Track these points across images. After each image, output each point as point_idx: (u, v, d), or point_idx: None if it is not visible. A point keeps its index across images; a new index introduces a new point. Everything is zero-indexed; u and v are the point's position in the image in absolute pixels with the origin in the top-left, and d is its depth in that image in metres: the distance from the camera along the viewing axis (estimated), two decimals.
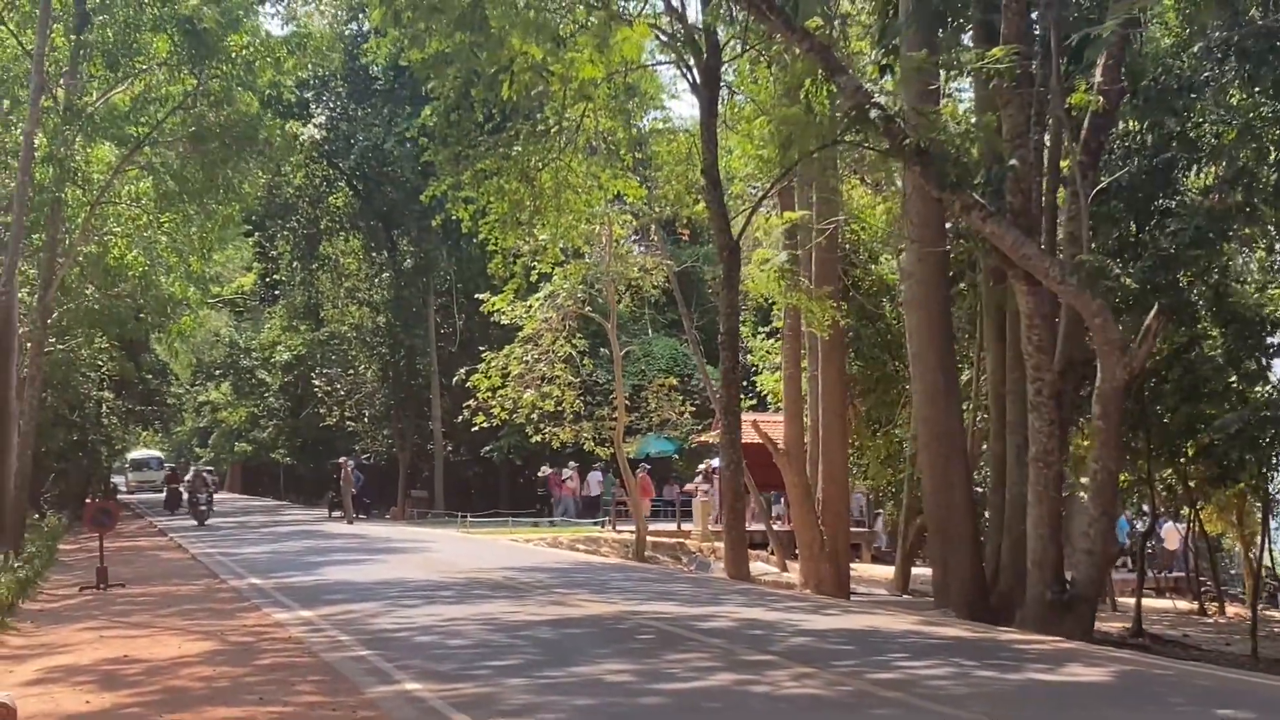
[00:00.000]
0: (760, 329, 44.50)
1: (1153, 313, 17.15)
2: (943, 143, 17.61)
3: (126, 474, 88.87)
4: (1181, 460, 26.45)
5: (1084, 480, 24.53)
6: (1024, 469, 20.18)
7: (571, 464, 45.45)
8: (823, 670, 12.44)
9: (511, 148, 26.80)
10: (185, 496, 49.80)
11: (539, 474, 49.00)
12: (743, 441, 39.82)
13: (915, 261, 20.67)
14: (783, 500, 40.12)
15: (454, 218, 28.16)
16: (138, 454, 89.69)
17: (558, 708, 10.76)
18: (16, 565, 20.84)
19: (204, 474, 48.90)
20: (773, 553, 36.06)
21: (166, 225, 28.24)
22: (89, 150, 26.87)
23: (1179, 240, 20.68)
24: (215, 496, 49.93)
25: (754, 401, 45.82)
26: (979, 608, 19.81)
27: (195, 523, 43.08)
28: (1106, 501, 18.00)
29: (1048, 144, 19.60)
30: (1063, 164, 19.88)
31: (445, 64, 23.50)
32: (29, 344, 26.51)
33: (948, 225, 21.74)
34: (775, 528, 37.27)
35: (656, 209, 35.01)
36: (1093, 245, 19.01)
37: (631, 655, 13.50)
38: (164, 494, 57.05)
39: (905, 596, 32.38)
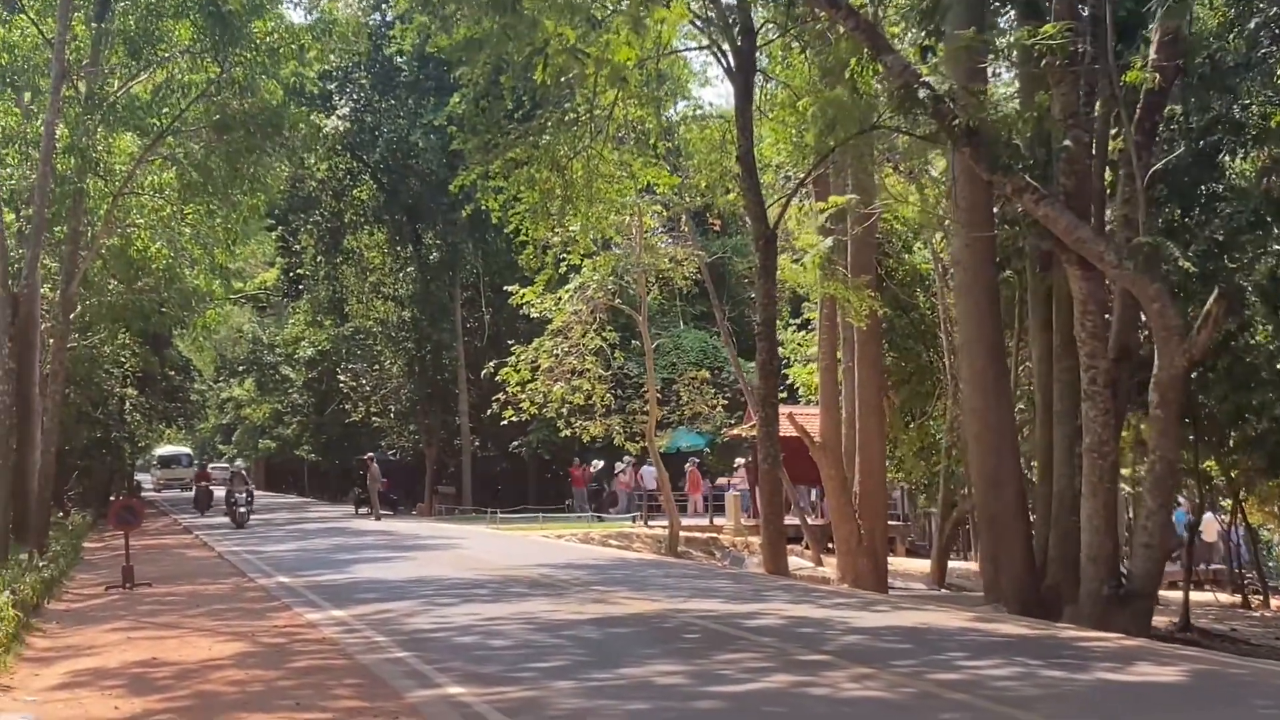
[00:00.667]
0: (791, 321, 43.96)
1: (1213, 297, 16.51)
2: (994, 124, 17.00)
3: (153, 471, 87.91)
4: (1227, 451, 25.83)
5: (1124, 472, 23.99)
6: (1072, 460, 19.60)
7: (626, 457, 44.26)
8: (882, 671, 11.86)
9: (541, 136, 26.29)
10: (220, 495, 46.47)
11: (590, 468, 47.25)
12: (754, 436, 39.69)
13: (963, 248, 20.01)
14: (812, 493, 39.64)
15: (483, 208, 27.63)
16: (165, 450, 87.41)
17: (610, 713, 10.22)
18: (41, 564, 20.39)
19: (242, 471, 44.22)
20: (807, 547, 35.57)
21: (190, 217, 27.59)
22: (111, 140, 26.34)
23: (1233, 224, 20.02)
24: (214, 492, 48.98)
25: (785, 394, 45.27)
26: (1031, 604, 19.17)
27: (232, 524, 39.46)
28: (1165, 494, 17.43)
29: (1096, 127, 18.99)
30: (1111, 145, 19.28)
31: (475, 49, 22.96)
32: (51, 339, 26.01)
33: (995, 211, 21.12)
34: (810, 522, 36.76)
35: (688, 199, 34.47)
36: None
37: (681, 656, 12.93)
38: (193, 492, 55.35)
39: (943, 590, 31.82)
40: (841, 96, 18.93)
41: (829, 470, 29.88)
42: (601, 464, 45.53)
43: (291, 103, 28.66)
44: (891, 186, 33.82)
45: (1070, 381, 19.70)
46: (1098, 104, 18.48)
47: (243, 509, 39.82)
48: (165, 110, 25.87)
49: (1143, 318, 18.46)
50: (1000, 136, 16.91)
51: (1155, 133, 18.87)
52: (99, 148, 25.06)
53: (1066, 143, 17.32)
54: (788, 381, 45.86)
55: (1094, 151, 18.70)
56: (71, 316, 26.61)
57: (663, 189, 32.94)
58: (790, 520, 38.48)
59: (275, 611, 17.89)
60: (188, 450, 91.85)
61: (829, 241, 25.05)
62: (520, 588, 20.26)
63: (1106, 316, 18.15)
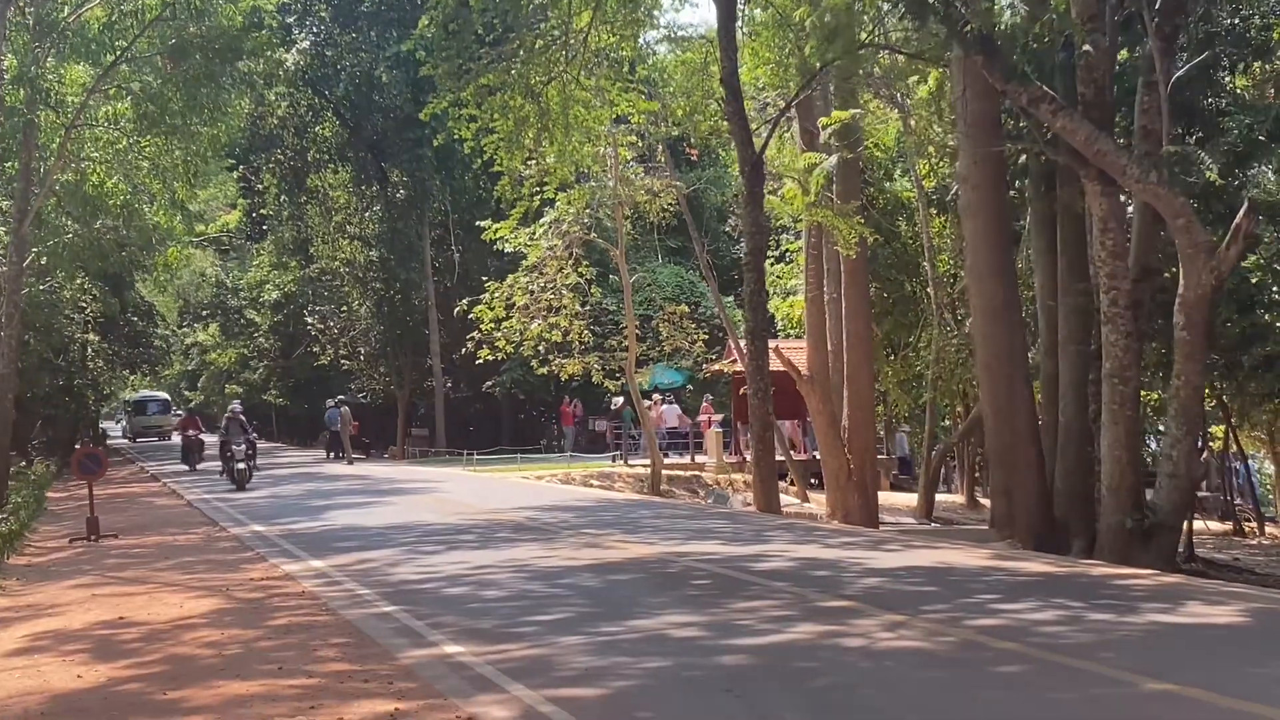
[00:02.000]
0: (770, 254, 42.98)
1: (1243, 210, 15.55)
2: (1008, 30, 15.90)
3: (127, 419, 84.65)
4: (1235, 375, 24.97)
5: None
6: (1078, 389, 18.80)
7: (655, 395, 42.67)
8: (914, 618, 10.91)
9: (514, 61, 25.13)
10: (212, 443, 39.71)
11: (611, 407, 45.05)
12: (735, 371, 38.73)
13: (971, 165, 18.85)
14: (788, 426, 38.73)
15: (455, 140, 26.52)
16: (139, 395, 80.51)
17: (627, 672, 9.23)
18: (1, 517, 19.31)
19: (240, 417, 33.95)
20: (792, 483, 34.72)
21: (148, 150, 26.12)
22: (62, 71, 24.91)
23: (1254, 135, 19.03)
24: (205, 440, 43.78)
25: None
26: (1045, 538, 18.30)
27: (230, 483, 31.42)
28: (1192, 420, 16.53)
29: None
30: (1121, 55, 18.29)
31: None
32: (4, 283, 24.68)
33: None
34: (794, 457, 35.94)
35: (664, 128, 33.30)
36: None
37: (693, 605, 11.96)
38: (175, 441, 52.46)
39: (933, 524, 31.06)
40: (842, 3, 17.77)
41: (817, 404, 28.94)
42: (621, 400, 42.81)
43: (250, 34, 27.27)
44: (875, 112, 32.82)
45: (1078, 307, 18.84)
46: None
47: (241, 464, 31.22)
48: (119, 40, 24.41)
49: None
50: (1018, 41, 15.83)
51: (1175, 38, 17.84)
52: (49, 77, 23.66)
53: (1086, 48, 16.25)
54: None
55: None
56: (26, 260, 25.18)
57: (638, 118, 31.87)
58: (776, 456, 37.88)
59: (250, 563, 16.85)
60: (164, 395, 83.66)
61: (833, 159, 23.85)
62: (506, 532, 19.28)
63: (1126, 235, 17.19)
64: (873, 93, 31.59)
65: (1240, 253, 15.74)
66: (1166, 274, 19.00)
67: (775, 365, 33.20)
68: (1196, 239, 15.46)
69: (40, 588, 15.54)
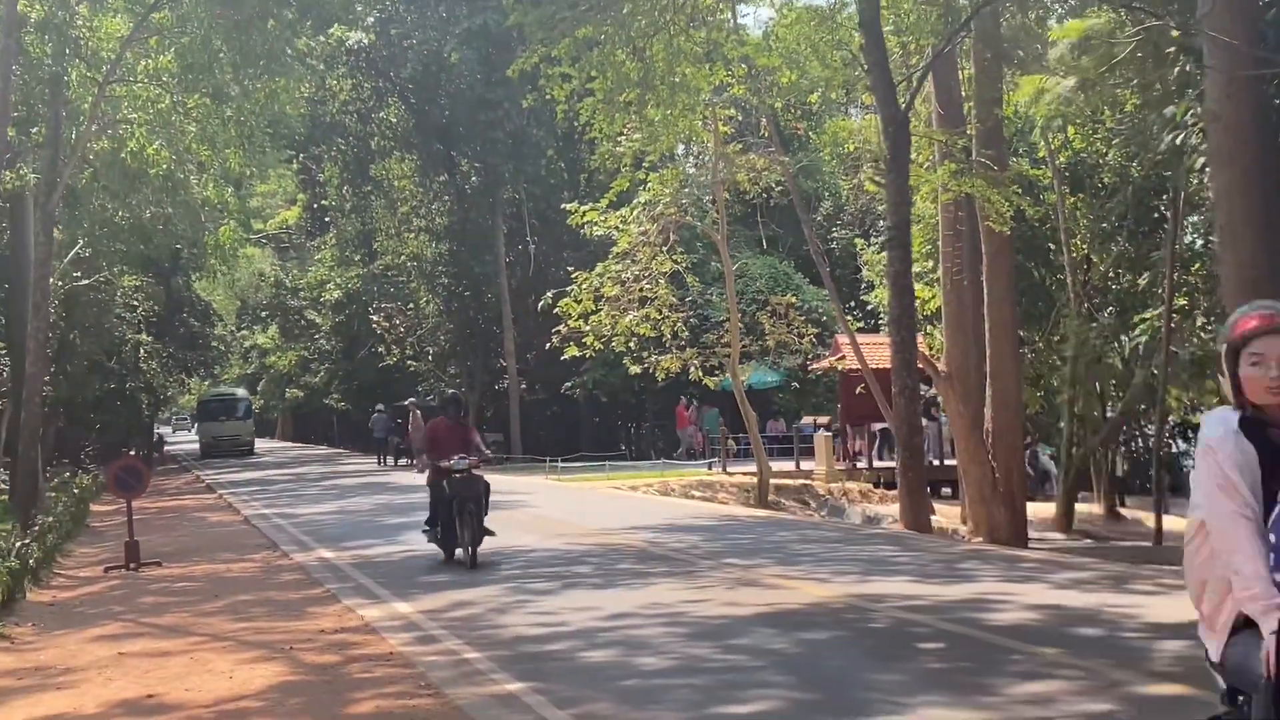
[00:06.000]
0: (866, 234, 39.61)
1: None
2: None
3: (192, 424, 77.01)
4: None
5: None
6: None
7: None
8: None
9: (615, 9, 21.74)
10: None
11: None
12: (846, 368, 35.36)
13: (1223, 98, 14.98)
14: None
15: (548, 100, 23.16)
16: (210, 394, 65.22)
17: None
18: (20, 545, 16.02)
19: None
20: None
21: (194, 111, 22.66)
22: (96, 21, 21.53)
23: None
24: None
25: (860, 322, 40.89)
26: None
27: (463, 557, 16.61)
28: None
29: None
30: None
31: None
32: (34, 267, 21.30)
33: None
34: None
35: (768, 98, 29.81)
36: None
37: (949, 688, 8.37)
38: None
39: (1086, 541, 27.48)
40: None
41: (957, 405, 25.34)
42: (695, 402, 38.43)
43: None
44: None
45: None
46: None
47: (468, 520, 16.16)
48: None
49: None
50: None
51: None
52: (79, 24, 20.30)
53: None
54: (866, 307, 41.65)
55: None
56: (58, 237, 21.75)
57: (738, 88, 28.56)
58: (881, 464, 34.39)
59: (319, 605, 13.46)
60: (243, 394, 65.75)
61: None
62: (629, 562, 15.80)
63: None
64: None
65: None
66: None
67: (883, 363, 30.03)
68: None
69: (57, 639, 12.26)
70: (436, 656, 10.20)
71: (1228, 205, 15.15)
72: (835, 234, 47.30)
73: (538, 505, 24.95)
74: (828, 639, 10.30)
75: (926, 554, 16.02)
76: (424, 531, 16.94)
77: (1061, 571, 14.01)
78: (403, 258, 52.37)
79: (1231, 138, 14.88)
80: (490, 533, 16.10)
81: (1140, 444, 37.45)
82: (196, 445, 62.70)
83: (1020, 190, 31.54)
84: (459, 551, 16.14)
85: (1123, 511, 32.47)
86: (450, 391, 22.38)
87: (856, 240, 39.87)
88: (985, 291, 25.35)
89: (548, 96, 23.15)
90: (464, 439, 16.64)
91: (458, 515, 15.86)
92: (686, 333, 32.01)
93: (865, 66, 21.65)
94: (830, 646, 10.01)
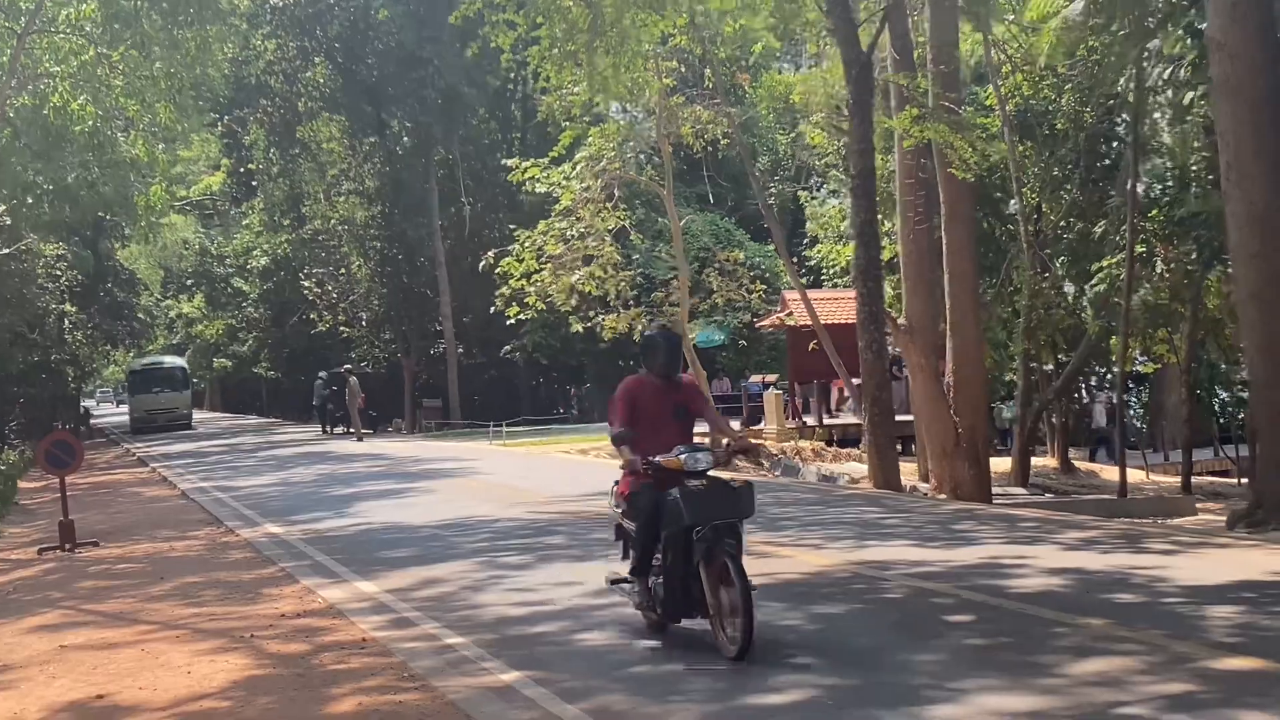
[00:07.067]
0: (809, 188, 38.91)
1: None
2: None
3: (124, 396, 72.38)
4: None
5: None
6: None
7: None
8: None
9: None
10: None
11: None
12: (797, 324, 34.63)
13: (1228, 25, 14.15)
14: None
15: (492, 48, 22.14)
16: (141, 362, 58.64)
17: None
18: None
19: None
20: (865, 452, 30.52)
21: (120, 63, 21.31)
22: None
23: None
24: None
25: (808, 278, 40.16)
26: None
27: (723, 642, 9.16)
28: None
29: None
30: None
31: None
32: None
33: None
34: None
35: (711, 47, 28.98)
36: None
37: (995, 667, 7.59)
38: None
39: (1021, 491, 26.90)
40: None
41: (918, 359, 24.59)
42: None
43: None
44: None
45: None
46: None
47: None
48: None
49: None
50: None
51: None
52: None
53: None
54: (809, 263, 41.02)
55: None
56: None
57: (680, 38, 27.70)
58: (831, 421, 33.76)
59: (274, 585, 12.49)
60: (179, 362, 59.26)
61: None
62: (601, 531, 14.90)
63: None
64: None
65: None
66: None
67: (833, 318, 29.34)
68: None
69: None
70: (416, 643, 9.31)
71: (1235, 139, 14.36)
72: (773, 189, 46.56)
73: (489, 472, 24.03)
74: (845, 613, 9.50)
75: (914, 515, 15.31)
76: (614, 583, 9.50)
77: (1066, 531, 13.31)
78: (333, 222, 50.84)
79: (1236, 68, 14.08)
80: (752, 588, 8.20)
81: (1081, 395, 37.13)
82: (126, 419, 57.99)
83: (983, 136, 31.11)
84: (703, 625, 8.60)
85: (1078, 464, 32.11)
86: (657, 326, 12.48)
87: (801, 194, 39.17)
88: (944, 242, 24.68)
89: (492, 45, 22.09)
90: (685, 411, 9.51)
91: (703, 561, 8.39)
92: (634, 292, 31.16)
93: (824, 7, 20.80)
94: (851, 622, 9.23)
